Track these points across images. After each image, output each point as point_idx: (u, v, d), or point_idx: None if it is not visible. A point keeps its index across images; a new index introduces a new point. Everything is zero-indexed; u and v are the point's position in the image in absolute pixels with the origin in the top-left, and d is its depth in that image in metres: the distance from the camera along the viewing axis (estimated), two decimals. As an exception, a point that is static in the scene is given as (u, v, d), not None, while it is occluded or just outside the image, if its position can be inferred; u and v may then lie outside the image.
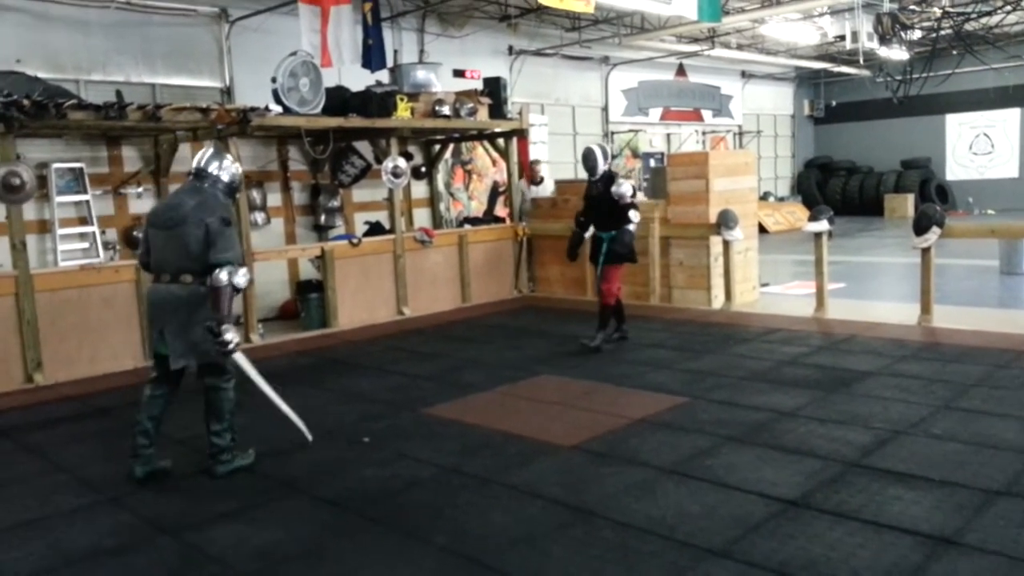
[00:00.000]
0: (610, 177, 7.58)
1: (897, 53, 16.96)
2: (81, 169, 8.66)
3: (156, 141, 9.06)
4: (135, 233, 9.09)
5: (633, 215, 7.52)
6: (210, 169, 4.85)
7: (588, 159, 7.67)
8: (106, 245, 8.88)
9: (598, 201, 7.61)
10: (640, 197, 12.99)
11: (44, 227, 8.50)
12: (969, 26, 16.58)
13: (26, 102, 6.75)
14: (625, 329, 7.85)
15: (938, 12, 15.55)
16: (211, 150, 5.09)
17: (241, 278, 4.58)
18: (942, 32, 16.07)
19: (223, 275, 4.50)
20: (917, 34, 16.86)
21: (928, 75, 16.66)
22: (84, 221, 8.70)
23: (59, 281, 7.32)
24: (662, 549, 3.49)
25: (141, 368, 6.90)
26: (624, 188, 7.46)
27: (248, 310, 8.49)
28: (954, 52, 17.17)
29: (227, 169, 4.92)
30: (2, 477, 4.84)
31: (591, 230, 7.79)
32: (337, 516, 4.06)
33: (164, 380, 4.78)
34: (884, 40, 15.64)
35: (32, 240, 7.95)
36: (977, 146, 23.33)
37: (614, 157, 19.20)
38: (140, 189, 9.19)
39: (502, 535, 3.71)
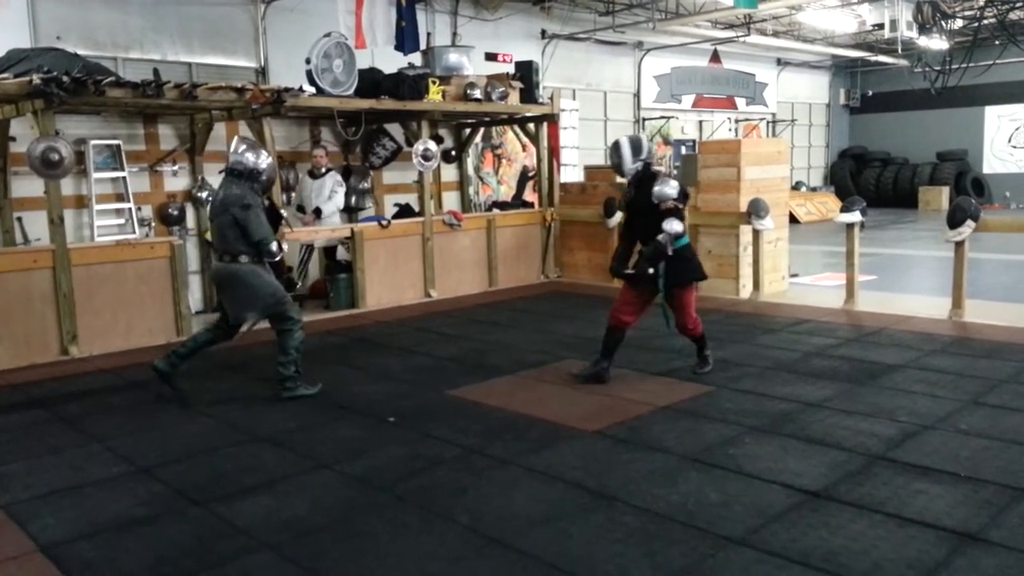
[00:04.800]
0: (647, 176, 5.89)
1: (937, 42, 16.65)
2: (118, 146, 8.78)
3: (192, 120, 9.17)
4: (170, 210, 9.26)
5: (670, 225, 5.70)
6: (239, 164, 5.59)
7: (613, 155, 6.03)
8: (141, 222, 9.01)
9: (633, 208, 6.06)
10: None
11: (81, 202, 8.63)
12: (1013, 15, 16.24)
13: (65, 78, 6.81)
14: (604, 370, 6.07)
15: (981, 0, 15.24)
16: (242, 145, 5.68)
17: (277, 246, 5.67)
18: (985, 21, 15.74)
19: (274, 247, 5.60)
20: (958, 23, 16.51)
21: (968, 65, 16.34)
22: (120, 197, 8.82)
23: (95, 256, 7.46)
24: (682, 536, 3.51)
25: (174, 343, 7.02)
26: (667, 189, 5.74)
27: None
28: (996, 42, 16.82)
29: (261, 161, 5.63)
30: (37, 446, 4.97)
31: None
32: (363, 492, 4.13)
33: (219, 329, 5.84)
34: (924, 29, 15.37)
35: (69, 215, 8.09)
36: (1017, 139, 22.85)
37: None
38: (175, 167, 9.31)
39: (524, 516, 3.76)
